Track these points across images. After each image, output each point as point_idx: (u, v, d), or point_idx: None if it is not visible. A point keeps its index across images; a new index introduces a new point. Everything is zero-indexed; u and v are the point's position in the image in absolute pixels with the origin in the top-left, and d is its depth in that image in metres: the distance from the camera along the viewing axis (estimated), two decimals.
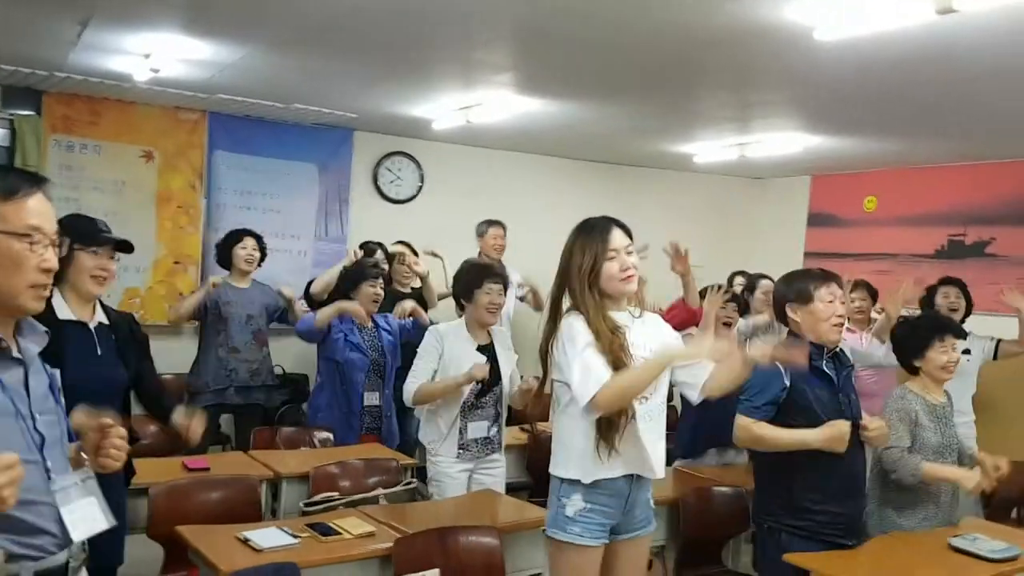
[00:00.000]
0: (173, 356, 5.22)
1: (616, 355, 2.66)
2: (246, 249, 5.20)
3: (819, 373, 3.15)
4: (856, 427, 3.17)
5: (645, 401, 2.76)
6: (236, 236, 5.27)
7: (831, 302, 3.16)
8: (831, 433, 3.04)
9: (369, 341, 4.72)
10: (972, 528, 3.49)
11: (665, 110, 5.30)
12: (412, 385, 3.86)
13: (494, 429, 3.98)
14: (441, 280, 5.87)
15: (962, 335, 3.75)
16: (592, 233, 2.77)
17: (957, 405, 4.61)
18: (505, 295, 4.02)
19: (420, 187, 7.03)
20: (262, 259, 5.30)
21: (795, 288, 3.23)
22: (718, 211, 7.87)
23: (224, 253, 5.28)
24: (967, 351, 4.86)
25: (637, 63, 4.13)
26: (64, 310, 2.88)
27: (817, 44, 3.49)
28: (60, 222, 1.82)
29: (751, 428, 3.11)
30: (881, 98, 4.51)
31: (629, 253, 2.77)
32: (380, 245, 5.76)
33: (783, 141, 5.85)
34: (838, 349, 3.28)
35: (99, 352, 2.97)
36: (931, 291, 5.19)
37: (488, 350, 3.94)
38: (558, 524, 2.75)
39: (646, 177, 7.65)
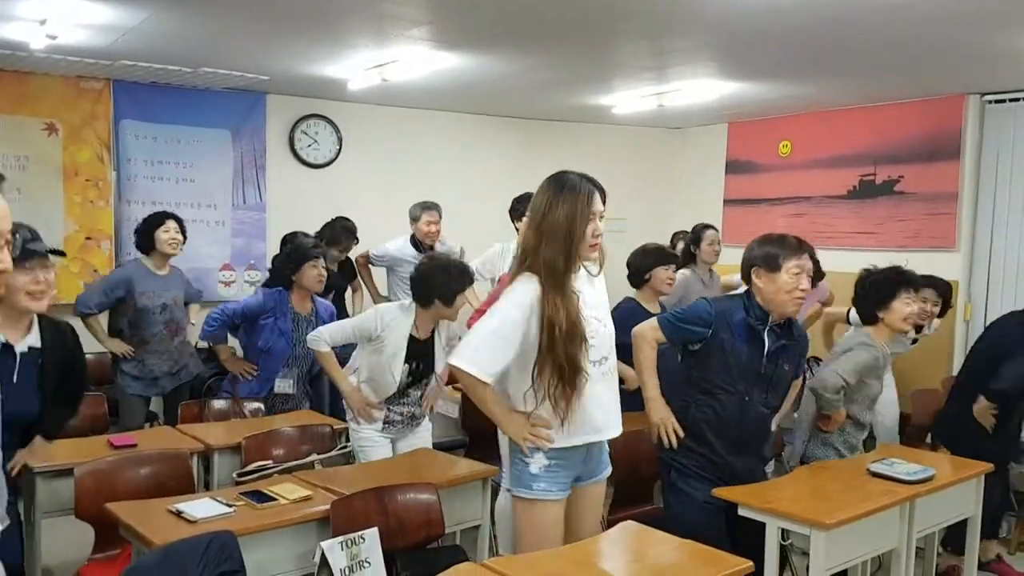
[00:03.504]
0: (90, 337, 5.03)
1: (573, 321, 2.67)
2: (169, 232, 4.81)
3: (754, 335, 3.19)
4: (770, 389, 3.28)
5: (605, 362, 2.82)
6: (158, 219, 4.90)
7: (798, 274, 3.14)
8: (656, 412, 3.26)
9: (302, 332, 4.47)
10: (889, 453, 3.66)
11: (583, 61, 5.30)
12: (324, 342, 3.86)
13: (418, 408, 3.99)
14: None
15: (920, 288, 3.85)
16: (576, 192, 2.70)
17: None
18: None
19: (339, 150, 6.91)
20: (183, 242, 4.97)
21: (765, 253, 3.20)
22: (638, 162, 7.94)
23: (145, 238, 4.90)
24: (914, 340, 4.98)
25: (553, 9, 4.10)
26: None
27: None
28: None
29: (647, 339, 3.27)
30: (792, 41, 4.58)
31: (601, 219, 2.75)
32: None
33: (699, 89, 5.91)
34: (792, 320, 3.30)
35: (15, 380, 2.74)
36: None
37: (428, 344, 3.88)
38: (523, 483, 2.79)
39: (567, 131, 7.66)
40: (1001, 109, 5.94)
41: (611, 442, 2.99)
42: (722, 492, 3.15)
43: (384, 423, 3.90)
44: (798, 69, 5.38)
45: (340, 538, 2.85)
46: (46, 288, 2.70)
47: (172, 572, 2.40)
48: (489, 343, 2.69)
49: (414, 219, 5.89)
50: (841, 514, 2.93)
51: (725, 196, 7.68)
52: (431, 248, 5.87)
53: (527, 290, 2.69)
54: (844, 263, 6.52)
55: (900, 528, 3.22)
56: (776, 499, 3.08)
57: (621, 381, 3.04)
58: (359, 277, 6.18)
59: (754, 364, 3.19)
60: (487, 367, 2.67)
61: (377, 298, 6.10)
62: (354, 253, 6.09)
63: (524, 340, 2.70)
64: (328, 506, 2.97)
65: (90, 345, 5.11)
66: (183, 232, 4.97)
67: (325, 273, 4.60)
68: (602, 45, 4.87)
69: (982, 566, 4.03)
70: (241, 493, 3.08)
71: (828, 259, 6.43)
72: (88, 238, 6.00)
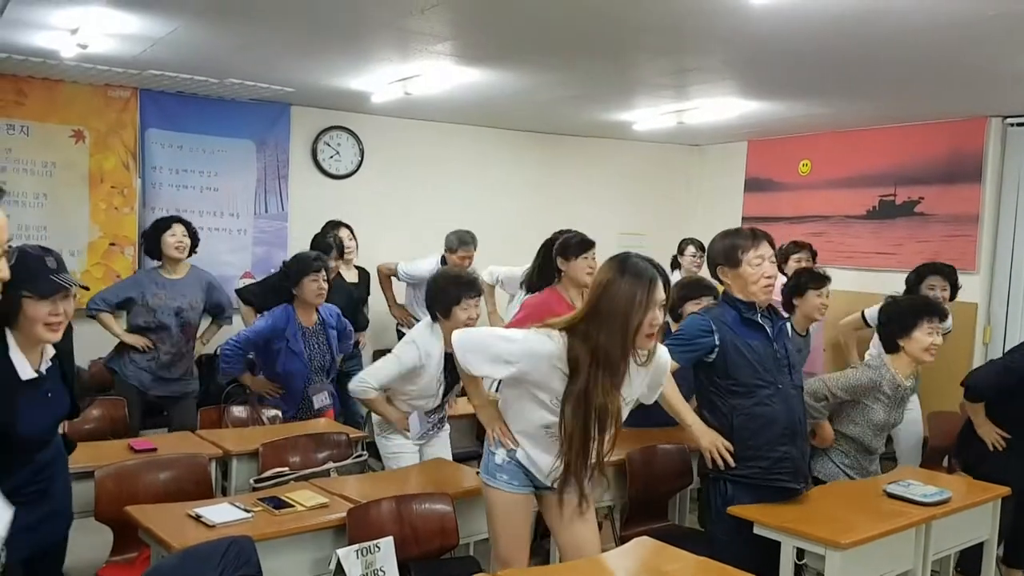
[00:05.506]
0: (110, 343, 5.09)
1: (613, 414, 2.67)
2: (175, 236, 4.94)
3: (753, 325, 3.26)
4: (791, 370, 3.33)
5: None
6: (164, 223, 5.01)
7: (759, 264, 3.23)
8: (704, 437, 3.24)
9: (314, 345, 4.58)
10: (906, 475, 3.65)
11: (605, 77, 5.32)
12: (369, 387, 3.84)
13: (445, 410, 4.11)
14: None
15: (945, 318, 3.81)
16: (640, 279, 2.60)
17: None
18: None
19: (360, 162, 6.96)
20: (194, 246, 5.06)
21: (723, 251, 3.31)
22: (658, 178, 7.96)
23: (152, 242, 5.02)
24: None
25: (575, 26, 4.14)
26: (24, 366, 2.53)
27: (750, 5, 3.54)
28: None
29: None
30: (813, 60, 4.59)
31: (661, 308, 2.64)
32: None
33: (720, 107, 5.93)
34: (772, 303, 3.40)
35: (49, 395, 2.67)
36: (917, 277, 5.06)
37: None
38: (488, 471, 2.94)
39: (587, 146, 7.68)
40: (1023, 132, 5.91)
41: (627, 459, 3.00)
42: (736, 510, 3.15)
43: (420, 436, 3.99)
44: (819, 88, 5.39)
45: (356, 546, 2.87)
46: (63, 319, 2.59)
47: None
48: (482, 346, 2.81)
49: (450, 249, 5.81)
50: (857, 534, 2.93)
51: (744, 214, 7.68)
52: None
53: (548, 348, 2.66)
54: (863, 283, 6.52)
55: (916, 550, 3.21)
56: (792, 518, 3.08)
57: None
58: (381, 288, 6.20)
59: (769, 351, 3.26)
60: (466, 363, 2.83)
61: (394, 307, 6.19)
62: (371, 263, 6.13)
63: (524, 381, 2.74)
64: (344, 514, 3.00)
65: (92, 352, 5.21)
66: (192, 236, 5.04)
67: (326, 287, 4.59)
68: (623, 62, 4.90)
69: None
70: (259, 499, 3.11)
71: (847, 279, 6.43)
72: (112, 244, 6.07)
